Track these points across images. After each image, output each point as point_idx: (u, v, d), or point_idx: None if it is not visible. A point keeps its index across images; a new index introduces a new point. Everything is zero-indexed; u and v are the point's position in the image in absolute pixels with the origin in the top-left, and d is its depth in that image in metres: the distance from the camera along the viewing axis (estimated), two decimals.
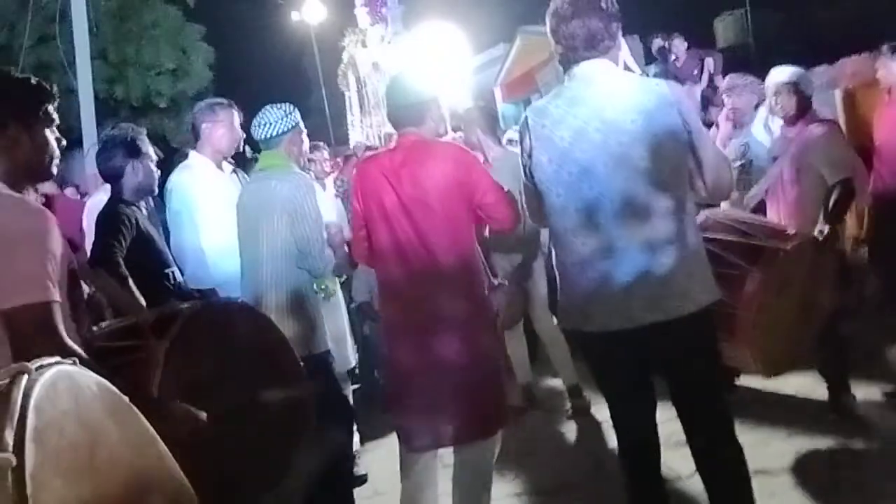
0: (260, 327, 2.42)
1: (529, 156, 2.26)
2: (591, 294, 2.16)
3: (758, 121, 4.13)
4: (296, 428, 2.36)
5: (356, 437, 3.57)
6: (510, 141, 5.64)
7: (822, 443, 3.32)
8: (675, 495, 3.02)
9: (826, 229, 3.33)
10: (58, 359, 1.31)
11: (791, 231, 3.17)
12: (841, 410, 3.59)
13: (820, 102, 5.42)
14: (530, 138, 2.24)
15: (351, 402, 3.36)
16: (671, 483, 3.10)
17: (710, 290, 2.20)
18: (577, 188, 2.15)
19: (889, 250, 4.63)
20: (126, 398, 1.46)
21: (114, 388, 1.43)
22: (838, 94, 5.70)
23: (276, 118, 2.99)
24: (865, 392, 3.75)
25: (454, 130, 4.94)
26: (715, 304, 2.20)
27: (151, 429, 1.50)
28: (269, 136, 2.98)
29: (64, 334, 1.64)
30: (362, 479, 3.61)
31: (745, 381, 4.18)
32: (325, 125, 17.84)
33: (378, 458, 3.85)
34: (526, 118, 2.29)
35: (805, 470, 3.11)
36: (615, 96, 2.16)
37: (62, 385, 1.28)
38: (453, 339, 2.55)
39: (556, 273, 2.35)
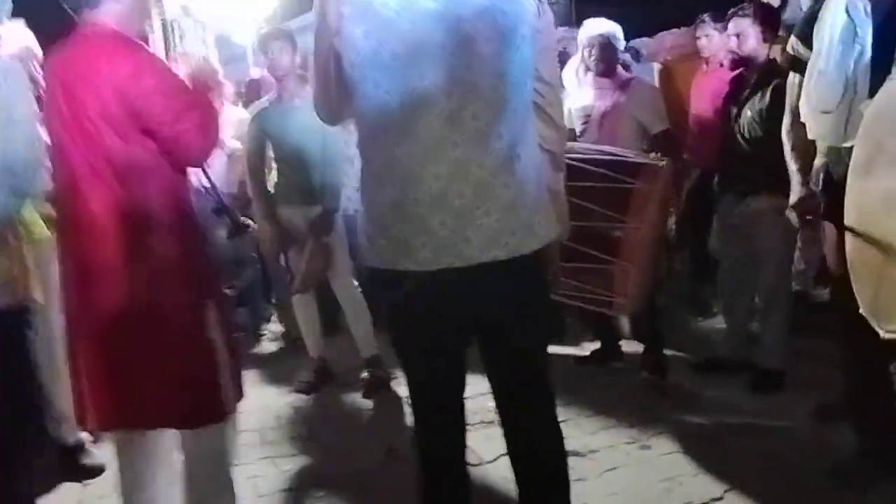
0: None
1: (337, 32, 1.66)
2: (413, 222, 1.65)
3: (569, 70, 3.90)
4: None
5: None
6: None
7: (634, 419, 3.07)
8: (476, 482, 2.62)
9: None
10: None
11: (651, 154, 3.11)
12: (654, 368, 3.43)
13: (640, 73, 5.37)
14: (337, 3, 1.65)
15: None
16: (472, 468, 2.71)
17: (553, 224, 1.78)
18: (402, 75, 1.61)
19: (699, 224, 4.61)
20: None
21: None
22: (656, 67, 5.64)
23: None
24: (673, 363, 3.58)
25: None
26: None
27: None
28: None
29: None
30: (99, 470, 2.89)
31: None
32: None
33: None
34: None
35: (614, 450, 2.82)
36: None
37: None
38: (125, 312, 1.97)
39: (361, 196, 1.80)
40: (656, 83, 5.61)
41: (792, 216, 2.47)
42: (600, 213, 2.84)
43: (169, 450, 2.16)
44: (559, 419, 2.87)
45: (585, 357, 3.88)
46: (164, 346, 1.98)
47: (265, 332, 5.03)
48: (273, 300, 5.11)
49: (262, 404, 3.59)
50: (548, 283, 1.85)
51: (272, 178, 3.82)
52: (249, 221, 2.21)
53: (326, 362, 3.92)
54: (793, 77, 2.46)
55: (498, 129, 1.63)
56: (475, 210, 1.63)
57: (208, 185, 2.19)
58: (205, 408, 2.03)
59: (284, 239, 3.75)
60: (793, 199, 2.44)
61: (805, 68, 2.31)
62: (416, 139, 1.62)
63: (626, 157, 3.02)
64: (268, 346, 4.82)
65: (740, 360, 3.50)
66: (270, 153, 3.78)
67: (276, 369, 4.18)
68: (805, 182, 2.42)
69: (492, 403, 2.68)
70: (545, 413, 1.86)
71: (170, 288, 1.98)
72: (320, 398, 3.67)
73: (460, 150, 1.61)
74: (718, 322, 4.15)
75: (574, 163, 2.92)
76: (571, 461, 2.66)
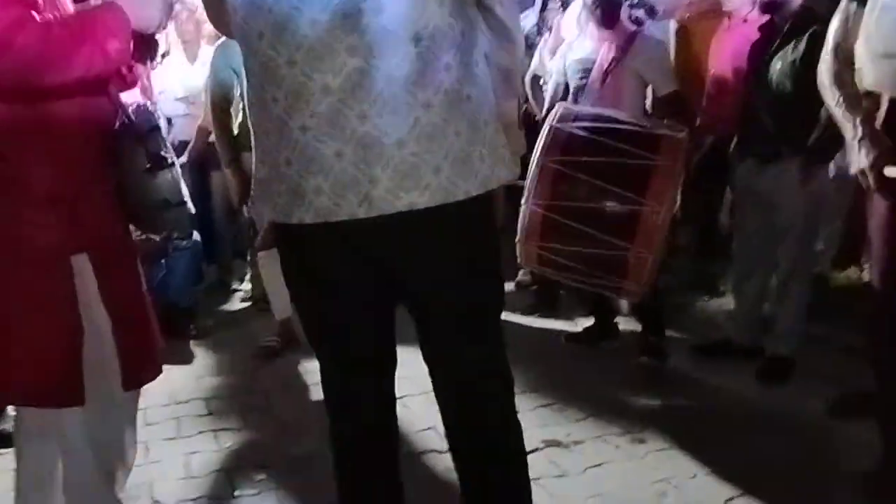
0: None
1: None
2: (303, 153, 1.26)
3: (570, 16, 3.52)
4: None
5: None
6: None
7: (628, 407, 2.71)
8: (442, 472, 2.28)
9: None
10: None
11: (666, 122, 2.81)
12: (654, 351, 3.06)
13: (654, 32, 4.96)
14: None
15: None
16: (433, 459, 2.35)
17: (504, 163, 1.36)
18: None
19: (709, 196, 4.23)
20: None
21: None
22: (672, 25, 5.21)
23: None
24: (675, 346, 3.22)
25: None
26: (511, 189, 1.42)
27: None
28: None
29: None
30: None
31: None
32: None
33: None
34: None
35: (603, 443, 2.46)
36: None
37: None
38: None
39: (251, 126, 1.42)
40: (672, 42, 5.23)
41: (866, 178, 1.93)
42: (616, 193, 2.52)
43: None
44: (543, 403, 2.50)
45: (577, 334, 3.53)
46: (13, 301, 1.61)
47: (239, 289, 4.68)
48: (248, 256, 4.76)
49: (215, 369, 3.24)
50: (495, 240, 1.46)
51: (238, 120, 3.45)
52: (170, 155, 1.79)
53: (293, 326, 3.57)
54: (846, 7, 2.01)
55: (415, 30, 1.23)
56: (382, 137, 1.23)
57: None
58: (53, 387, 1.63)
59: (248, 188, 3.38)
60: (866, 157, 1.91)
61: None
62: (297, 41, 1.22)
63: (643, 127, 2.66)
64: (236, 305, 4.47)
65: (749, 346, 3.14)
66: (236, 92, 3.40)
67: (238, 331, 3.83)
68: (874, 133, 1.90)
69: None
70: (495, 406, 1.48)
71: (34, 228, 1.60)
72: (281, 365, 3.32)
73: (360, 57, 1.21)
74: (725, 303, 3.78)
75: (585, 134, 2.58)
76: (552, 453, 2.36)
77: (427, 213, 1.25)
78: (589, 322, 3.55)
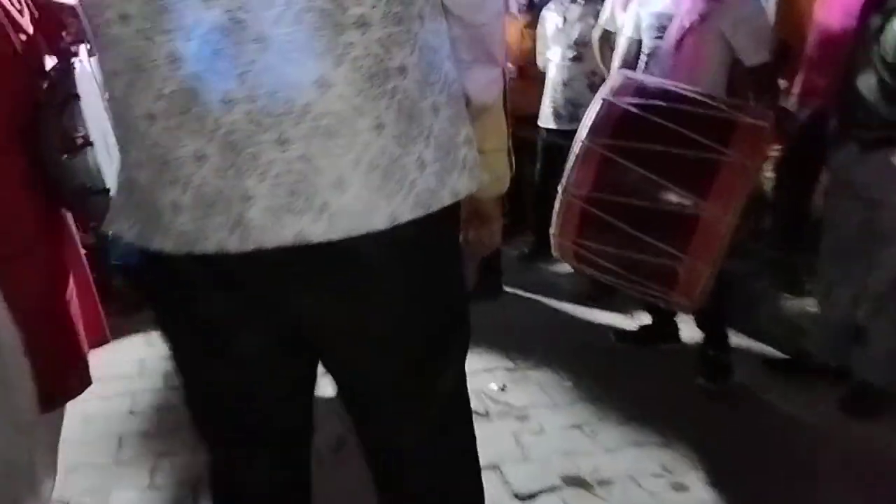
0: None
1: None
2: (152, 165, 0.87)
3: None
4: None
5: None
6: None
7: (674, 436, 2.28)
8: None
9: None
10: None
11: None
12: (713, 373, 2.61)
13: None
14: None
15: None
16: None
17: (467, 170, 0.93)
18: None
19: (804, 173, 3.66)
20: None
21: None
22: None
23: None
24: (743, 357, 2.75)
25: None
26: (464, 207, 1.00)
27: None
28: None
29: None
30: None
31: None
32: None
33: None
34: None
35: (634, 485, 2.04)
36: None
37: None
38: None
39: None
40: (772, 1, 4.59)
41: None
42: (672, 190, 2.07)
43: None
44: (573, 423, 2.17)
45: (629, 333, 3.09)
46: None
47: None
48: None
49: None
50: (450, 284, 1.02)
51: None
52: (86, 134, 1.47)
53: None
54: None
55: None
56: (257, 132, 0.81)
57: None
58: None
59: None
60: None
61: None
62: (168, 22, 0.81)
63: (718, 109, 2.16)
64: None
65: (834, 366, 2.64)
66: None
67: None
68: None
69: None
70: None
71: None
72: None
73: (220, 8, 0.79)
74: (810, 304, 3.26)
75: (644, 114, 2.11)
76: (571, 496, 1.96)
77: (327, 249, 0.84)
78: (646, 319, 3.11)
